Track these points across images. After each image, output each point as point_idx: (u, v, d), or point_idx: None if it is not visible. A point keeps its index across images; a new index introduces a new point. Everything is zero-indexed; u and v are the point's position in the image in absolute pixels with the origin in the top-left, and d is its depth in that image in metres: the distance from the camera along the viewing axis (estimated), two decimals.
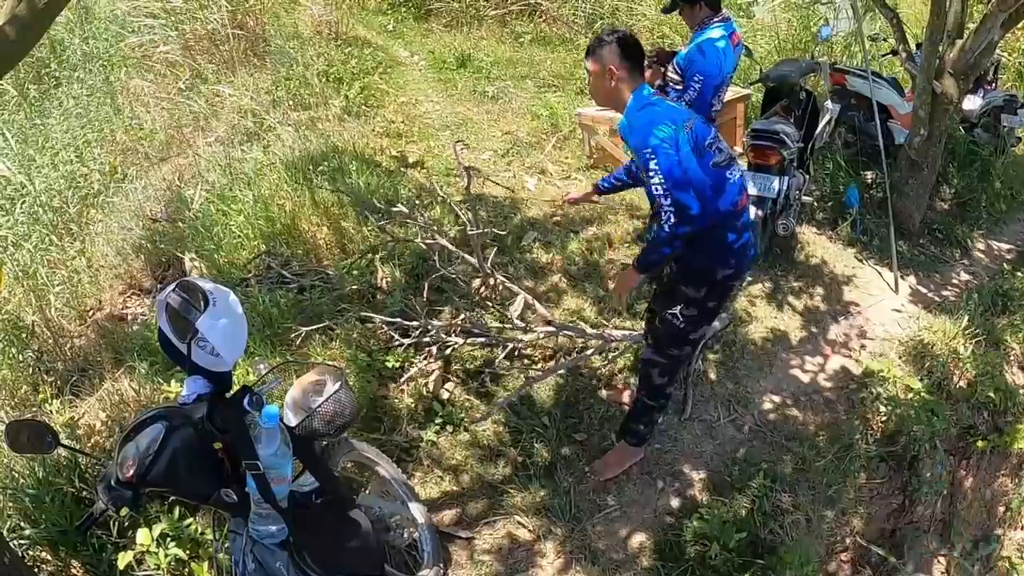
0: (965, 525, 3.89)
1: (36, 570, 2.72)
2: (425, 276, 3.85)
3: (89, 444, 3.07)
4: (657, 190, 2.53)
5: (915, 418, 3.73)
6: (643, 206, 4.70)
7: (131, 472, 1.98)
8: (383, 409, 3.39)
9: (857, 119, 5.47)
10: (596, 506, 3.21)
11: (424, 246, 3.82)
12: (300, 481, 2.38)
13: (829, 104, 5.28)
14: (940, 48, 4.56)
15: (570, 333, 3.69)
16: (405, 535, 2.72)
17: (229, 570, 2.41)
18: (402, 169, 5.04)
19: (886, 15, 4.84)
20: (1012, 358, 4.33)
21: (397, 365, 3.52)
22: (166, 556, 2.60)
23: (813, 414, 3.78)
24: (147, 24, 6.19)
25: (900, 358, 4.17)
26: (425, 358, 3.54)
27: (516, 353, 3.74)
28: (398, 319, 3.53)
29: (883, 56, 6.01)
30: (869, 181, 5.43)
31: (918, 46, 5.00)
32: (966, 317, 4.33)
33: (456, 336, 3.55)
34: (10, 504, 2.82)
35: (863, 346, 4.26)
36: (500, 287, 3.78)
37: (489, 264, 3.66)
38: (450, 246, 3.72)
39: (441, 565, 2.80)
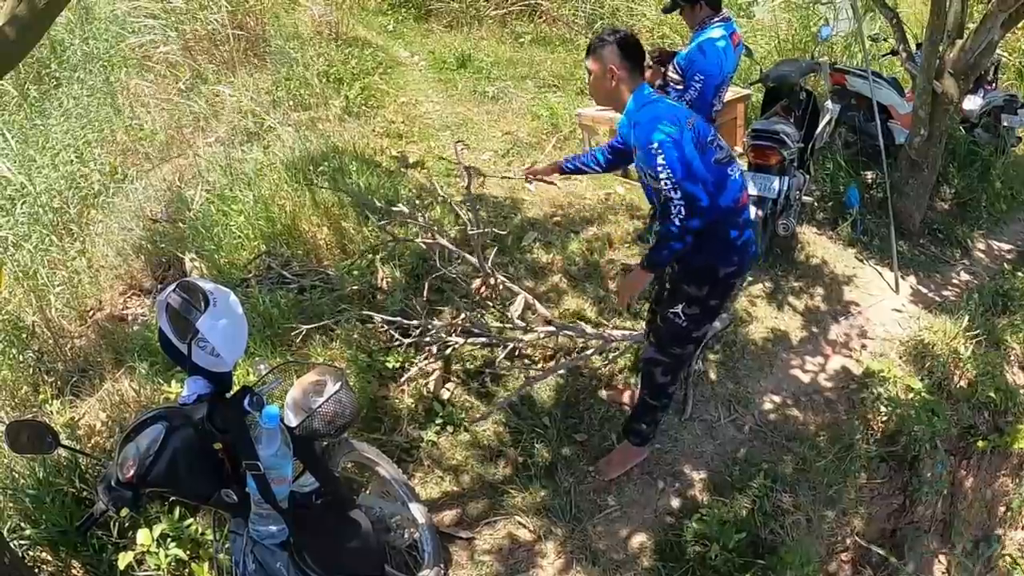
0: (966, 525, 3.88)
1: (36, 570, 2.72)
2: (425, 276, 3.84)
3: (89, 444, 3.07)
4: (666, 184, 2.52)
5: (916, 418, 3.73)
6: (643, 206, 4.70)
7: (131, 472, 1.98)
8: (383, 409, 3.39)
9: (857, 119, 5.48)
10: (596, 506, 3.21)
11: (424, 246, 3.82)
12: (300, 481, 2.38)
13: (829, 104, 5.28)
14: (940, 48, 4.56)
15: (570, 333, 3.69)
16: (405, 535, 2.72)
17: (229, 570, 2.41)
18: (402, 169, 5.04)
19: (886, 15, 4.84)
20: (1012, 358, 4.33)
21: (397, 365, 3.52)
22: (166, 556, 2.59)
23: (814, 414, 3.78)
24: (147, 24, 6.19)
25: (900, 358, 4.17)
26: (425, 358, 3.53)
27: (516, 353, 3.74)
28: (398, 319, 3.53)
29: (883, 56, 6.01)
30: (869, 181, 5.43)
31: (918, 46, 5.00)
32: (966, 317, 4.32)
33: (456, 336, 3.55)
34: (10, 504, 2.82)
35: (863, 346, 4.25)
36: (500, 287, 3.78)
37: (489, 264, 3.66)
38: (450, 246, 3.72)
39: (441, 565, 2.79)
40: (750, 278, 4.43)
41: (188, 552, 2.66)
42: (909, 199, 5.08)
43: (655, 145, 2.53)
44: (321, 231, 4.28)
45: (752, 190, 4.20)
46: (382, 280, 3.96)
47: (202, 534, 2.69)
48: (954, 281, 4.96)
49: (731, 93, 4.86)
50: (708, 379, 3.85)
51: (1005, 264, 5.11)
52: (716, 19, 3.78)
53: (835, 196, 5.23)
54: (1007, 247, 5.43)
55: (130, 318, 4.18)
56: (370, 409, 3.33)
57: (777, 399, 3.83)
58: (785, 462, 3.48)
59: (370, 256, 4.07)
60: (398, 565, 2.78)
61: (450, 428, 3.40)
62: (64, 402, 3.40)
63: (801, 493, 3.36)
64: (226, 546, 2.47)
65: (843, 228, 5.00)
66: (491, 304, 3.83)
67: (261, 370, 2.50)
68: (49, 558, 2.75)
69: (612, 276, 4.30)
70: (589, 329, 3.77)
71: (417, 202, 4.54)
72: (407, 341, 3.50)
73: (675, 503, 3.27)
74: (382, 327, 3.57)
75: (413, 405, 3.42)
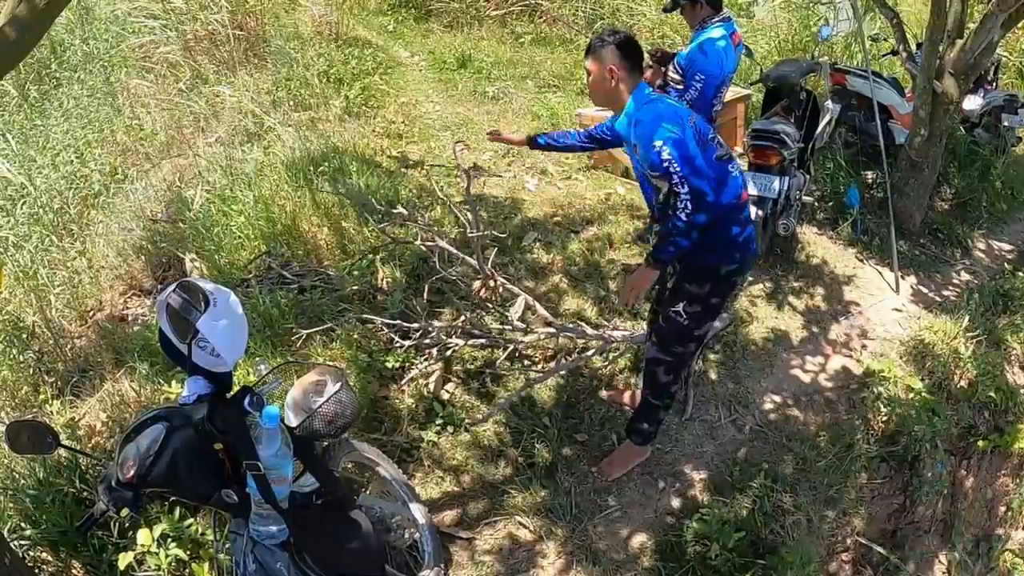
0: (966, 525, 3.88)
1: (37, 571, 2.72)
2: (425, 277, 3.85)
3: (90, 445, 3.07)
4: (673, 179, 2.53)
5: (916, 418, 3.73)
6: (643, 206, 4.70)
7: (131, 473, 1.97)
8: (384, 410, 3.39)
9: (857, 119, 5.48)
10: (597, 506, 3.21)
11: (424, 248, 3.82)
12: (301, 482, 2.38)
13: (829, 104, 5.28)
14: (940, 48, 4.56)
15: (570, 334, 3.69)
16: (406, 536, 2.72)
17: (230, 571, 2.41)
18: (402, 170, 5.04)
19: (886, 15, 4.84)
20: (1013, 358, 4.33)
21: (398, 366, 3.52)
22: (167, 557, 2.59)
23: (814, 414, 3.78)
24: (147, 25, 6.19)
25: (901, 358, 4.17)
26: (426, 359, 3.53)
27: (517, 354, 3.74)
28: (398, 322, 3.53)
29: (883, 56, 6.01)
30: (869, 181, 5.43)
31: (918, 46, 5.00)
32: (967, 317, 4.33)
33: (457, 337, 3.55)
34: (11, 505, 2.82)
35: (864, 346, 4.25)
36: (500, 288, 3.78)
37: (490, 265, 3.66)
38: (451, 248, 3.72)
39: (442, 566, 2.79)
40: (750, 278, 4.43)
41: (188, 552, 2.66)
42: (909, 199, 5.07)
43: (660, 142, 2.53)
44: (321, 231, 4.28)
45: (752, 190, 4.19)
46: (382, 280, 3.96)
47: (202, 534, 2.69)
48: (954, 281, 4.96)
49: (731, 93, 4.86)
50: (708, 379, 3.85)
51: (1005, 264, 5.11)
52: (717, 19, 3.79)
53: (835, 196, 5.23)
54: (1007, 247, 5.43)
55: (130, 318, 4.18)
56: (370, 409, 3.33)
57: (777, 399, 3.83)
58: (785, 462, 3.48)
59: (370, 256, 4.07)
60: (398, 565, 2.78)
61: (450, 428, 3.40)
62: (64, 402, 3.40)
63: (801, 493, 3.36)
64: (226, 546, 2.47)
65: (843, 228, 5.00)
66: (491, 305, 3.83)
67: (261, 370, 2.50)
68: (49, 558, 2.75)
69: (612, 276, 4.30)
70: (589, 330, 3.77)
71: (417, 203, 4.54)
72: (407, 343, 3.50)
73: (675, 503, 3.27)
74: (382, 328, 3.57)
75: (413, 405, 3.42)
